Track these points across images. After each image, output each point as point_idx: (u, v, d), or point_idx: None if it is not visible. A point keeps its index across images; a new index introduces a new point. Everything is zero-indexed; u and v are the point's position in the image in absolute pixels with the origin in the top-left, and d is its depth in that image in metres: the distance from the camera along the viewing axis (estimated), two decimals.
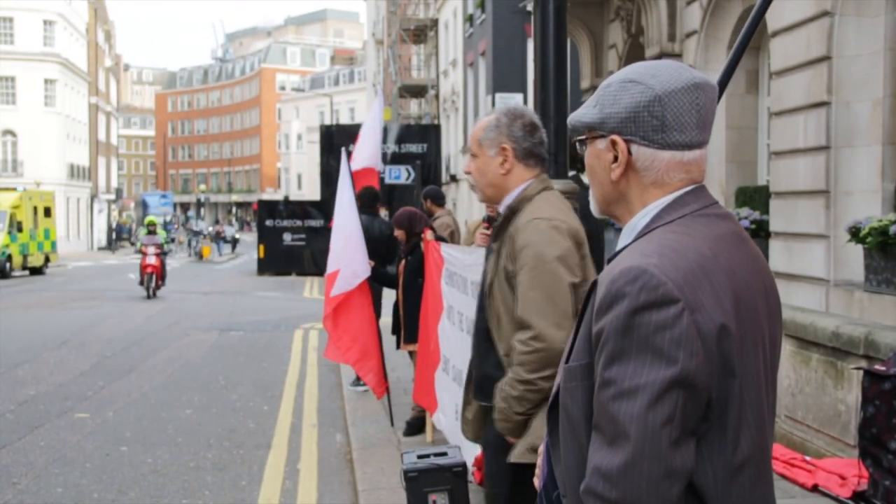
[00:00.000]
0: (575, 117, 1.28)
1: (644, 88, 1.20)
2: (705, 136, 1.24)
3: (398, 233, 5.74)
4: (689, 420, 1.09)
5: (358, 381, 6.95)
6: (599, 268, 3.62)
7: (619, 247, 1.29)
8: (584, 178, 4.90)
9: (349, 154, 6.06)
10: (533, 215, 2.26)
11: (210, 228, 43.77)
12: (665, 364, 1.07)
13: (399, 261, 5.83)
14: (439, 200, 7.43)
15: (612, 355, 1.09)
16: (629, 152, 1.22)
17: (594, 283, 1.19)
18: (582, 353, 1.17)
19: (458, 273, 4.28)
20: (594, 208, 1.31)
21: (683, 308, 1.09)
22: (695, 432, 1.11)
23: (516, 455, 2.23)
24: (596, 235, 4.13)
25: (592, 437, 1.12)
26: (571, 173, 4.18)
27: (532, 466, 2.17)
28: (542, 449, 1.42)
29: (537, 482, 1.42)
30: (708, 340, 1.10)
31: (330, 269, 5.60)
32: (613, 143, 1.23)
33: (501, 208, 2.37)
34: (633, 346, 1.08)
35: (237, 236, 42.91)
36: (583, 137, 1.29)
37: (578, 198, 3.64)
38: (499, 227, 2.37)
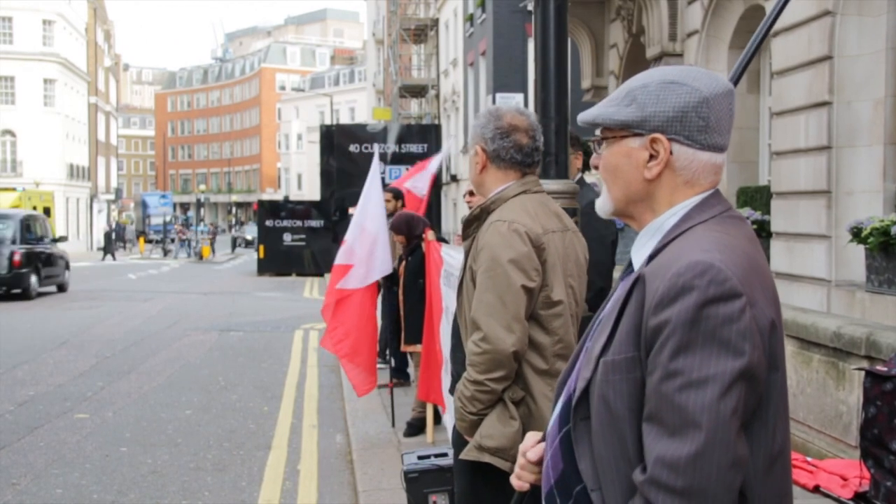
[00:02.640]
0: (605, 115, 1.27)
1: (691, 90, 1.24)
2: (729, 140, 1.29)
3: (398, 238, 5.72)
4: (747, 412, 1.13)
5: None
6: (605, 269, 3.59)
7: (639, 246, 1.30)
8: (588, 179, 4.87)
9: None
10: (497, 217, 2.28)
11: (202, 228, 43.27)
12: (733, 356, 1.10)
13: (400, 262, 5.82)
14: (401, 200, 7.27)
15: (679, 347, 1.11)
16: (670, 151, 1.25)
17: (637, 279, 1.20)
18: (626, 347, 1.18)
19: (453, 274, 4.29)
20: (607, 207, 1.32)
21: (746, 302, 1.13)
22: (745, 424, 1.16)
23: (465, 453, 2.28)
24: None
25: (648, 429, 1.13)
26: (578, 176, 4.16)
27: (484, 465, 2.21)
28: (531, 446, 1.40)
29: (517, 482, 1.41)
30: (763, 334, 1.15)
31: (341, 260, 5.56)
32: (653, 142, 1.24)
33: (476, 208, 2.39)
34: (699, 337, 1.10)
35: (234, 235, 42.73)
36: (607, 136, 1.29)
37: (580, 199, 3.63)
38: (468, 226, 2.39)
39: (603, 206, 1.32)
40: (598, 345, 1.23)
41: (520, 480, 1.41)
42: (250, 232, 41.54)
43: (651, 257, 1.22)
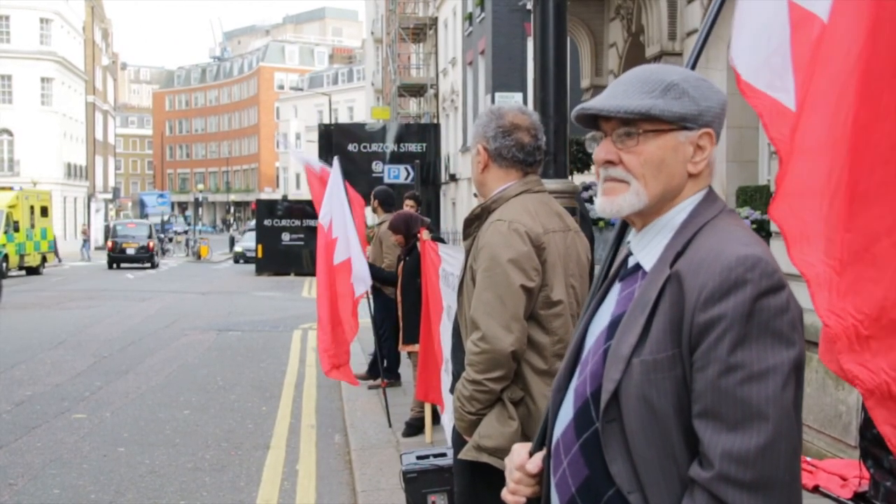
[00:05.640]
0: (660, 107, 1.22)
1: (719, 89, 1.28)
2: None
3: (396, 238, 5.71)
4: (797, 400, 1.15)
5: (368, 378, 6.93)
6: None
7: (644, 243, 1.27)
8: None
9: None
10: (498, 216, 2.27)
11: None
12: (787, 346, 1.12)
13: (398, 262, 5.80)
14: (386, 205, 6.96)
15: (737, 341, 1.11)
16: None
17: (670, 276, 1.18)
18: (665, 345, 1.17)
19: (452, 273, 4.28)
20: (639, 204, 1.25)
21: (790, 293, 1.15)
22: None
23: (463, 453, 2.28)
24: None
25: (703, 425, 1.12)
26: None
27: (483, 464, 2.19)
28: (526, 459, 1.35)
29: (512, 497, 1.35)
30: (802, 324, 1.17)
31: (341, 257, 5.62)
32: (704, 136, 1.25)
33: (477, 207, 2.39)
34: (755, 330, 1.12)
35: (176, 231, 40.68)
36: (649, 129, 1.23)
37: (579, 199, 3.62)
38: (469, 225, 2.39)
39: (632, 203, 1.25)
40: (625, 345, 1.19)
41: (515, 496, 1.36)
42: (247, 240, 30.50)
43: (678, 254, 1.19)
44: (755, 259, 1.14)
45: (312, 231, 23.00)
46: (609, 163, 1.26)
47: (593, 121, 1.29)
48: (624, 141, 1.24)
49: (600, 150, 1.28)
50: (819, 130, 1.41)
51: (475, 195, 3.60)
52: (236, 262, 30.03)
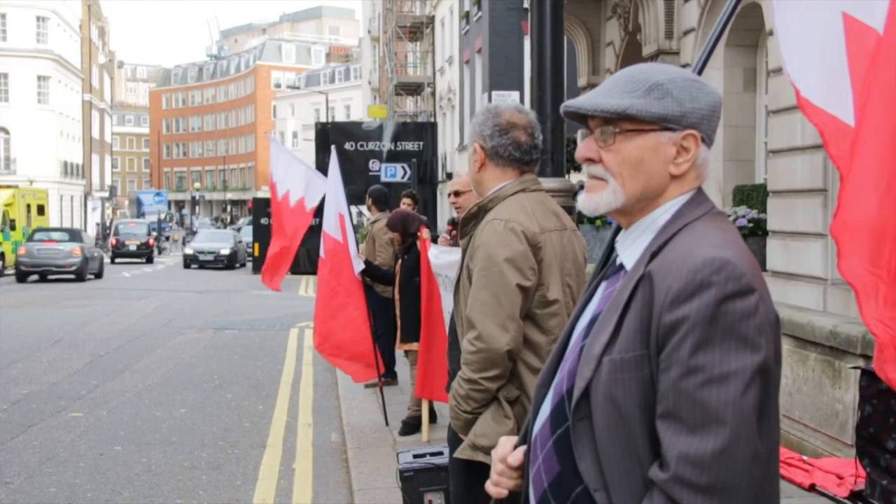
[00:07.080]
0: (638, 107, 1.22)
1: (713, 90, 1.27)
2: None
3: (393, 235, 5.73)
4: (762, 406, 1.14)
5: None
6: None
7: (628, 242, 1.27)
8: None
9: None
10: (494, 216, 2.27)
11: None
12: (751, 351, 1.11)
13: (396, 260, 5.80)
14: (380, 204, 6.89)
15: (699, 343, 1.11)
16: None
17: (642, 277, 1.18)
18: (633, 344, 1.17)
19: (441, 274, 4.29)
20: (616, 202, 1.26)
21: (760, 297, 1.14)
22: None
23: (459, 451, 2.29)
24: None
25: (665, 426, 1.12)
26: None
27: (479, 463, 2.20)
28: (509, 452, 1.36)
29: (494, 489, 1.37)
30: (772, 329, 1.16)
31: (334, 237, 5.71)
32: (688, 138, 1.23)
33: (474, 206, 2.39)
34: (718, 333, 1.11)
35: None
36: (628, 129, 1.23)
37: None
38: (466, 224, 2.39)
39: (609, 202, 1.26)
40: (598, 344, 1.20)
41: (498, 487, 1.38)
42: (210, 239, 29.16)
43: (654, 254, 1.20)
44: (722, 262, 1.13)
45: (309, 230, 23.13)
46: (590, 160, 1.28)
47: (583, 118, 1.30)
48: (605, 139, 1.25)
49: (582, 147, 1.29)
50: (875, 141, 1.40)
51: (450, 195, 3.62)
52: (187, 266, 26.93)
